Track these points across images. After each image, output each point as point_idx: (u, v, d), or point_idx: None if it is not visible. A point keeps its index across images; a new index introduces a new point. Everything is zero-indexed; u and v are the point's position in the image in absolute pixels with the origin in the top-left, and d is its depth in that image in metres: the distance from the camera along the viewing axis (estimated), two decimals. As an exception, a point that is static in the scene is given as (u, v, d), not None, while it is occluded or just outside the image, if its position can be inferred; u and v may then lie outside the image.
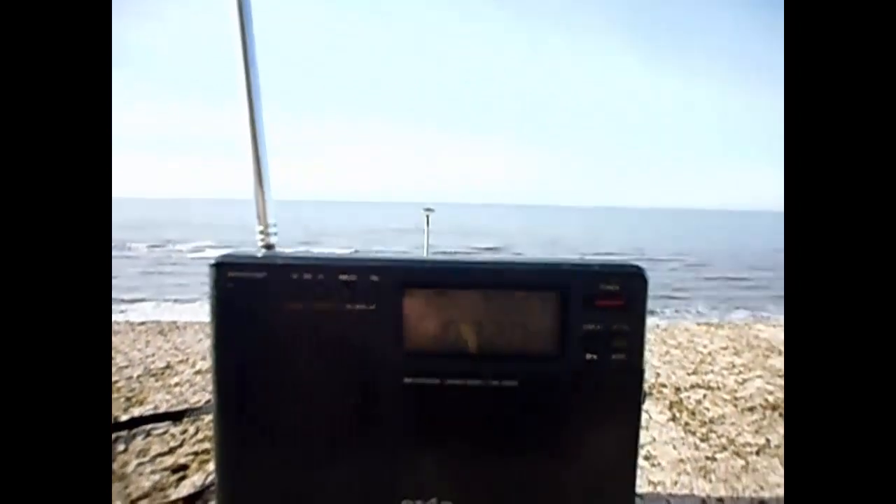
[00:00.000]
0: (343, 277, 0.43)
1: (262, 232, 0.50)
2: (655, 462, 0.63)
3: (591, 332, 0.44)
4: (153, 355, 0.94)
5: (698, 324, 1.36)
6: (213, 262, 0.43)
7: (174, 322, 1.21)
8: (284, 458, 0.44)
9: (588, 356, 0.44)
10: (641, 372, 0.45)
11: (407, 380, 0.43)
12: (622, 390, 0.45)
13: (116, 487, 0.53)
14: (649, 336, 1.22)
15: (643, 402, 0.46)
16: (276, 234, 0.51)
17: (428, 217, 1.15)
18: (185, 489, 0.53)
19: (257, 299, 0.43)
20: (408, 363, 0.43)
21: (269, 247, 0.50)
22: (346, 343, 0.43)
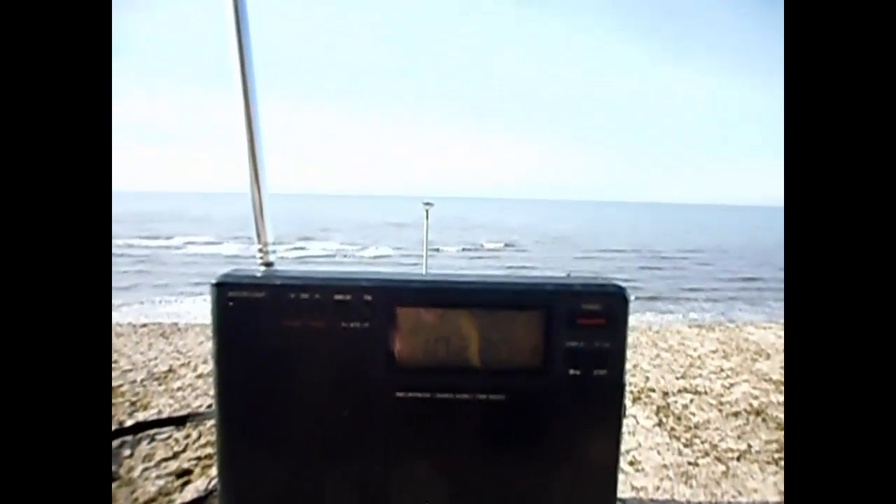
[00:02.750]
0: (338, 297, 0.45)
1: (260, 250, 0.52)
2: (640, 468, 0.65)
3: (574, 350, 0.46)
4: (156, 358, 0.97)
5: (690, 326, 1.39)
6: (214, 282, 0.45)
7: (175, 323, 1.23)
8: (283, 468, 0.47)
9: (571, 372, 0.46)
10: (622, 386, 0.48)
11: (399, 394, 0.46)
12: (604, 404, 0.47)
13: (123, 493, 0.55)
14: (640, 339, 1.24)
15: (624, 415, 0.48)
16: (274, 251, 0.53)
17: (427, 211, 1.15)
18: (190, 494, 0.56)
19: (256, 318, 0.45)
20: (399, 378, 0.46)
21: (267, 264, 0.52)
22: (341, 359, 0.45)
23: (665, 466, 0.65)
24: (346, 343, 0.46)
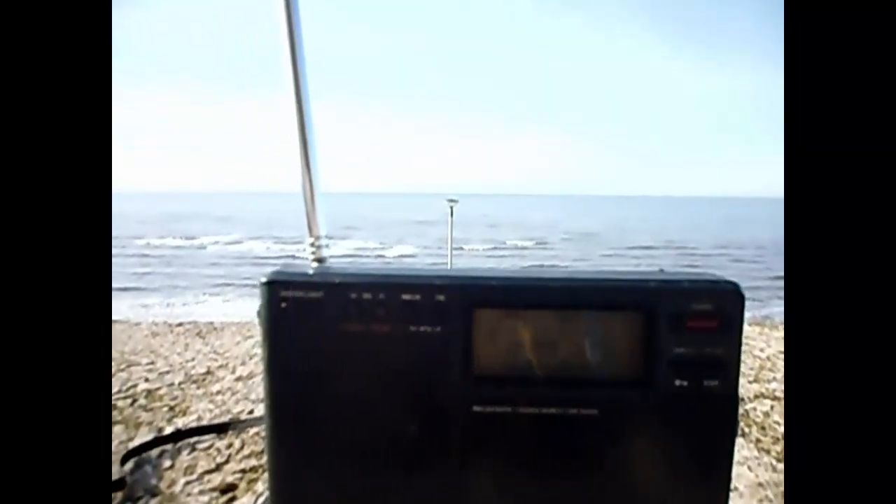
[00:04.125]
0: (406, 297, 0.39)
1: (312, 245, 0.47)
2: (732, 486, 0.58)
3: (681, 357, 0.39)
4: (193, 360, 0.93)
5: (750, 324, 1.29)
6: (264, 280, 0.40)
7: (211, 323, 1.21)
8: (342, 488, 0.41)
9: (678, 383, 0.39)
10: (737, 400, 0.41)
11: (476, 408, 0.40)
12: (715, 420, 0.40)
13: (166, 510, 0.51)
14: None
15: (737, 433, 0.41)
16: (328, 246, 0.47)
17: (452, 208, 1.10)
18: (236, 513, 0.51)
19: (312, 320, 0.40)
20: (477, 390, 0.40)
21: (320, 260, 0.47)
22: (410, 368, 0.40)
23: (761, 485, 0.58)
24: (416, 349, 0.40)
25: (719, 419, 0.40)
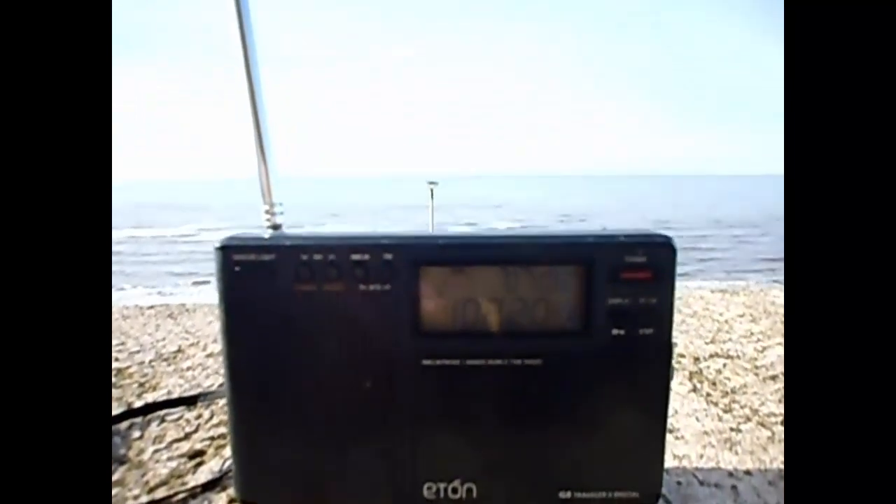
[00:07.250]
0: (355, 257, 0.41)
1: (267, 212, 0.48)
2: (679, 435, 0.61)
3: (618, 307, 0.42)
4: (164, 339, 0.94)
5: (713, 291, 1.34)
6: (218, 245, 0.41)
7: (183, 304, 1.20)
8: (302, 443, 0.43)
9: (615, 331, 0.42)
10: (670, 346, 0.43)
11: (426, 361, 0.42)
12: (650, 365, 0.43)
13: (133, 476, 0.52)
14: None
15: (672, 377, 0.44)
16: (282, 213, 0.48)
17: (432, 191, 1.12)
18: (203, 475, 0.53)
19: (266, 282, 0.41)
20: (426, 344, 0.42)
21: (275, 227, 0.48)
22: (361, 325, 0.41)
23: (706, 433, 0.61)
24: (366, 307, 0.41)
25: (655, 364, 0.43)
